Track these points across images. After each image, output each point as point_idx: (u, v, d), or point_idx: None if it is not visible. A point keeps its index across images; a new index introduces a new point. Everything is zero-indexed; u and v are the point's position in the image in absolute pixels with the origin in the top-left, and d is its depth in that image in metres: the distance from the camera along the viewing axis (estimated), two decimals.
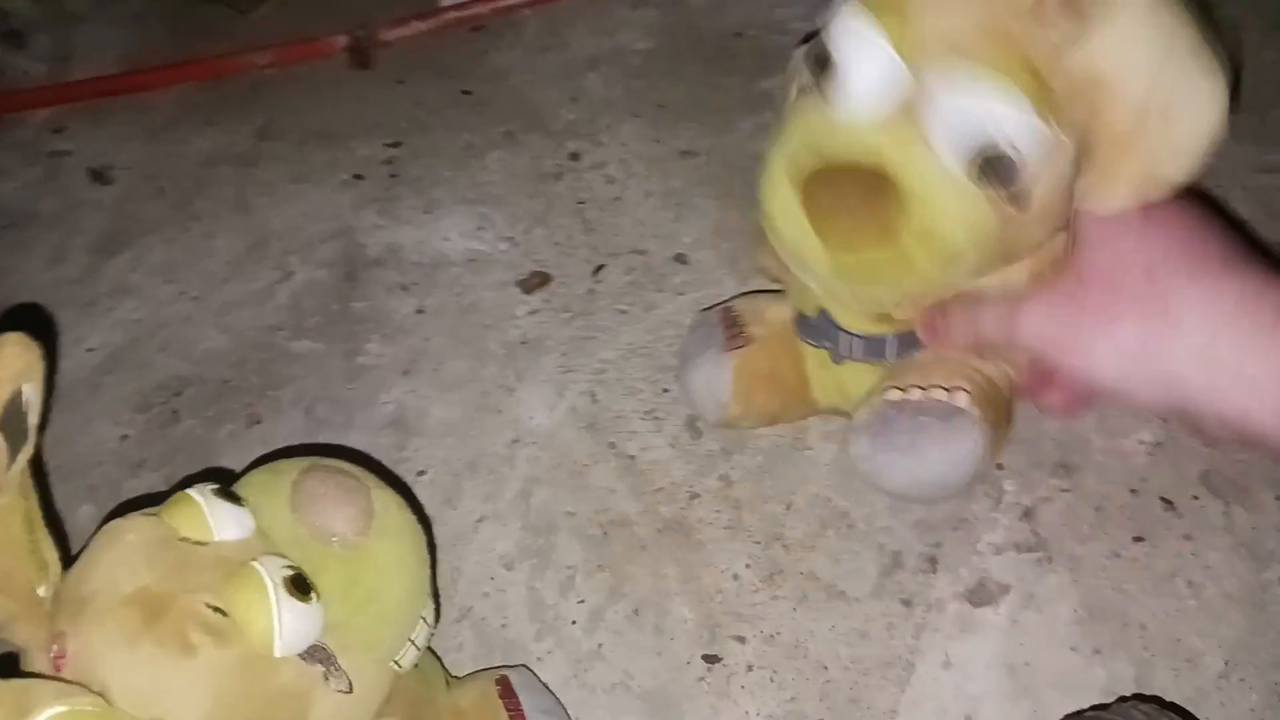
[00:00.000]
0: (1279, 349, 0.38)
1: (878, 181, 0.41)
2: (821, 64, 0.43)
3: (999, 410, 0.51)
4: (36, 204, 0.79)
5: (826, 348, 0.54)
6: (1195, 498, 0.57)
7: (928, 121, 0.41)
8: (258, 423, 0.64)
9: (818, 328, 0.54)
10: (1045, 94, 0.40)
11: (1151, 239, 0.41)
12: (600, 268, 0.70)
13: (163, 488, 0.62)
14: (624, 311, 0.68)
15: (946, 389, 0.49)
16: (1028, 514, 0.57)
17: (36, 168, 0.81)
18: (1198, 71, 0.40)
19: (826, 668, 0.53)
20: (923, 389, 0.49)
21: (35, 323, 0.62)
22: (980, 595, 0.55)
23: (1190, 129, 0.41)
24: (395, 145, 0.79)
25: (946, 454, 0.49)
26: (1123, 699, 0.47)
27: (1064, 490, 0.58)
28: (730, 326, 0.56)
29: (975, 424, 0.48)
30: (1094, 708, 0.47)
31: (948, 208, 0.42)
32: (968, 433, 0.48)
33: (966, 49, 0.40)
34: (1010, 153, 0.40)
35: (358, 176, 0.77)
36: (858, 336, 0.52)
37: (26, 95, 0.86)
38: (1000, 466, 0.58)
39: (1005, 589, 0.55)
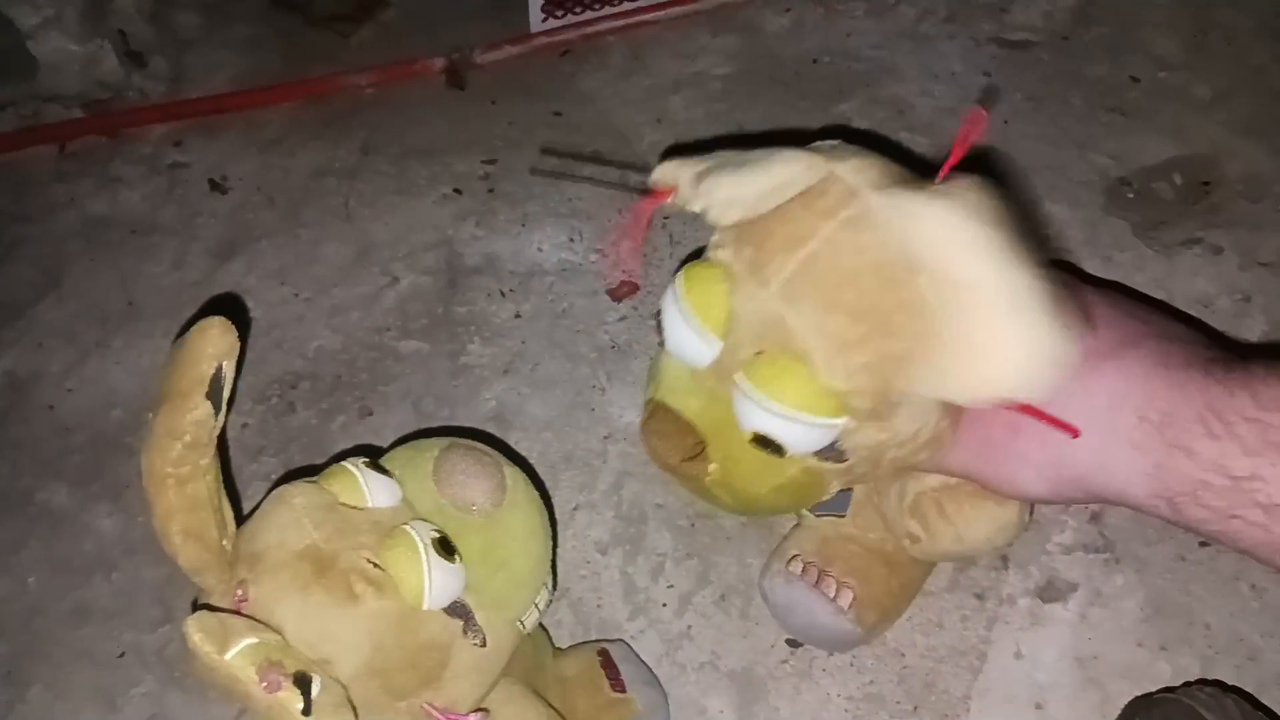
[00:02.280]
0: (1149, 441, 0.38)
1: (686, 434, 0.46)
2: (659, 321, 0.47)
3: (886, 606, 0.54)
4: (158, 213, 0.85)
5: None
6: None
7: (730, 397, 0.45)
8: (369, 415, 0.69)
9: None
10: (818, 397, 0.42)
11: None
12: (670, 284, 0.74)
13: (281, 472, 0.67)
14: None
15: (837, 583, 0.53)
16: (1095, 517, 0.60)
17: (158, 179, 0.87)
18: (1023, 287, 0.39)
19: (903, 655, 0.57)
20: (819, 573, 0.53)
21: (232, 311, 0.68)
22: (1050, 592, 0.58)
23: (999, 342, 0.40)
24: (490, 162, 0.84)
25: (814, 636, 0.55)
26: (1187, 683, 0.50)
27: None
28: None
29: (847, 624, 0.53)
30: (1160, 690, 0.50)
31: (740, 464, 0.46)
32: (839, 629, 0.53)
33: (753, 358, 0.43)
34: (785, 443, 0.43)
35: (456, 191, 0.82)
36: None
37: (147, 111, 0.93)
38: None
39: (1074, 587, 0.58)
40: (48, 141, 0.91)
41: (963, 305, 0.39)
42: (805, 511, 0.55)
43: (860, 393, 0.42)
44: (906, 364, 0.41)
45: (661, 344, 0.47)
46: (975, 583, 0.59)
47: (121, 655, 0.61)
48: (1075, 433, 0.40)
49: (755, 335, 0.43)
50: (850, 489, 0.53)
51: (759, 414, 0.43)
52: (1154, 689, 0.53)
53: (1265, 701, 0.52)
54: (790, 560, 0.54)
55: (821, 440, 0.43)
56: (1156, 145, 0.78)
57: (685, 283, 0.45)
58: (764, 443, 0.44)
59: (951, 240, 0.39)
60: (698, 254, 0.48)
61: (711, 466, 0.46)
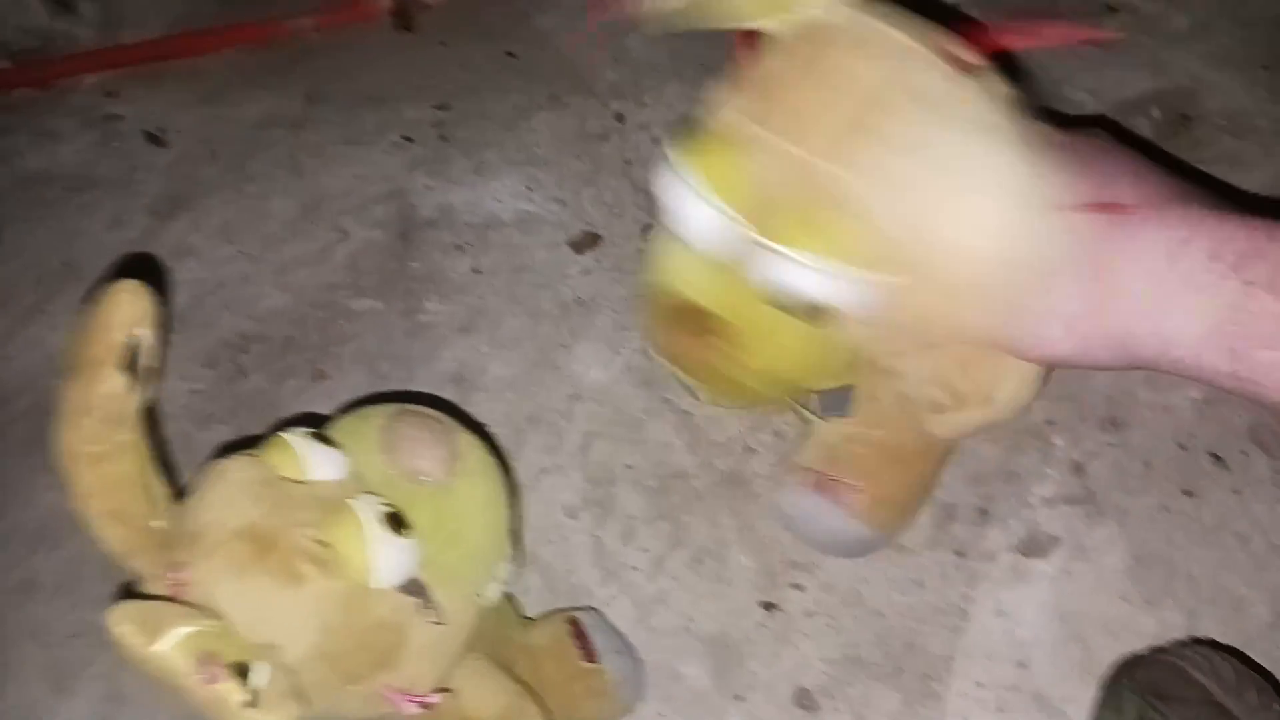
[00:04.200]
0: (1221, 281, 0.37)
1: (707, 322, 0.44)
2: (651, 211, 0.44)
3: (901, 504, 0.54)
4: (95, 168, 0.80)
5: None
6: (1243, 453, 0.58)
7: (752, 276, 0.42)
8: (323, 378, 0.66)
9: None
10: (871, 252, 0.40)
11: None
12: (649, 227, 0.71)
13: (232, 438, 0.64)
14: None
15: (845, 486, 0.51)
16: (1077, 468, 0.59)
17: (93, 132, 0.82)
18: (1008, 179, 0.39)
19: (883, 614, 0.55)
20: (826, 479, 0.52)
21: (146, 271, 0.64)
22: (1031, 546, 0.56)
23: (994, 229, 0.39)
24: (443, 108, 0.80)
25: (833, 545, 0.54)
26: (1180, 643, 0.48)
27: (1112, 445, 0.59)
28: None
29: (861, 528, 0.52)
30: (1151, 650, 0.48)
31: (769, 345, 0.44)
32: (854, 533, 0.52)
33: (796, 223, 0.41)
34: (823, 304, 0.42)
35: (407, 139, 0.78)
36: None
37: (78, 60, 0.87)
38: (1050, 422, 0.60)
39: (1055, 540, 0.56)
40: None
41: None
42: (810, 415, 0.53)
43: (923, 241, 0.40)
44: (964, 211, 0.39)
45: (669, 231, 0.44)
46: (955, 538, 0.57)
47: (74, 636, 0.58)
48: (1129, 210, 0.39)
49: (794, 201, 0.40)
50: (850, 389, 0.51)
51: (810, 278, 0.40)
52: (1139, 644, 0.52)
53: (1252, 655, 0.51)
54: (800, 473, 0.53)
55: (874, 299, 0.41)
56: (1134, 79, 0.76)
57: (695, 157, 0.42)
58: (809, 310, 0.41)
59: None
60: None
61: (743, 355, 0.44)
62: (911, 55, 0.40)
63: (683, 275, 0.45)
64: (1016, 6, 0.81)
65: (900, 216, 0.39)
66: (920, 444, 0.52)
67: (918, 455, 0.53)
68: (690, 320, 0.44)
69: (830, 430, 0.53)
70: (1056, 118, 0.47)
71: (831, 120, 0.39)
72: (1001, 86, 0.42)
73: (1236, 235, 0.38)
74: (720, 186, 0.41)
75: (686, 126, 0.44)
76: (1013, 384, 0.47)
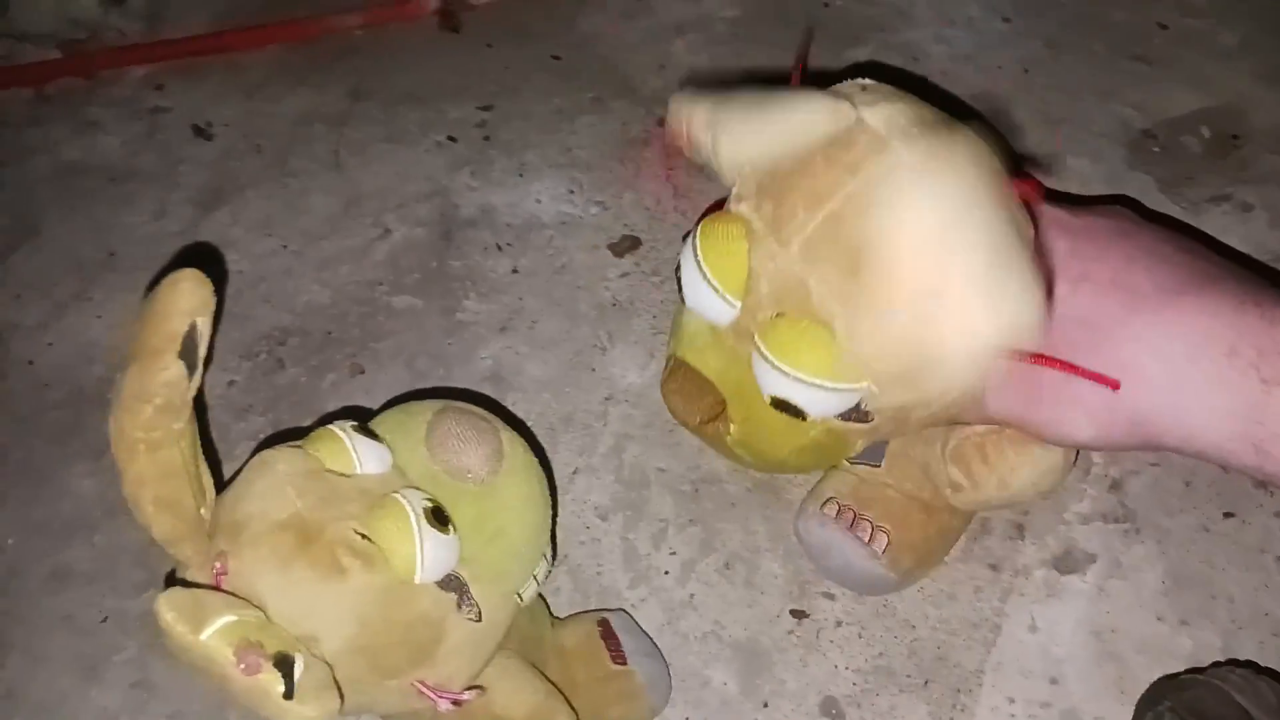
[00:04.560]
0: (1241, 380, 0.37)
1: (706, 392, 0.44)
2: (677, 276, 0.45)
3: (924, 552, 0.53)
4: (138, 159, 0.81)
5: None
6: None
7: (746, 357, 0.43)
8: (360, 373, 0.66)
9: None
10: (838, 362, 0.40)
11: (1080, 286, 0.40)
12: (689, 233, 0.71)
13: (269, 431, 0.64)
14: None
15: (872, 527, 0.52)
16: (1116, 486, 0.58)
17: (138, 124, 0.83)
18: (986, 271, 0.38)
19: (914, 627, 0.55)
20: (855, 516, 0.52)
21: (208, 262, 0.65)
22: (1067, 563, 0.56)
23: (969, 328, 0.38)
24: (486, 109, 0.80)
25: (848, 579, 0.54)
26: (1216, 664, 0.48)
27: (1152, 464, 0.59)
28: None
29: (881, 569, 0.52)
30: (1188, 671, 0.48)
31: (764, 430, 0.44)
32: (873, 573, 0.52)
33: (772, 320, 0.41)
34: (807, 408, 0.41)
35: (451, 139, 0.79)
36: None
37: (126, 52, 0.88)
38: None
39: (1092, 558, 0.56)
40: (22, 84, 0.87)
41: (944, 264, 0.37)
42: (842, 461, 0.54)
43: (884, 358, 0.39)
44: (934, 327, 0.38)
45: (681, 298, 0.45)
46: (990, 553, 0.56)
47: (104, 620, 0.59)
48: (1115, 385, 0.38)
49: (775, 296, 0.40)
50: (883, 443, 0.52)
51: (778, 379, 0.40)
52: (1175, 663, 0.51)
53: None
54: (825, 503, 0.53)
55: (843, 405, 0.41)
56: (1183, 95, 0.75)
57: (703, 239, 0.42)
58: (784, 406, 0.41)
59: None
60: (719, 205, 0.45)
61: (733, 427, 0.45)
62: (897, 164, 0.39)
63: (693, 343, 0.45)
64: (1066, 24, 0.81)
65: (870, 333, 0.39)
66: (945, 501, 0.52)
67: (945, 509, 0.53)
68: (699, 393, 0.45)
69: (858, 470, 0.53)
70: (1075, 199, 0.47)
71: (809, 227, 0.39)
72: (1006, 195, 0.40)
73: (1256, 329, 0.37)
74: (721, 270, 0.42)
75: (719, 206, 0.45)
76: (1030, 472, 0.48)
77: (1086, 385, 0.40)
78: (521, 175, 0.76)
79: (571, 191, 0.74)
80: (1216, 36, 0.79)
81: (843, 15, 0.84)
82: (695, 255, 0.43)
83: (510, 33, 0.86)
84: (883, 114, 0.39)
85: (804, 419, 0.42)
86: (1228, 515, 0.56)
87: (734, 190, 0.43)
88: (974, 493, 0.49)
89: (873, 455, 0.52)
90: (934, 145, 0.38)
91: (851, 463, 0.53)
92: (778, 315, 0.41)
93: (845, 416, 0.42)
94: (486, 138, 0.78)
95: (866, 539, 0.52)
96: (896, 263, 0.38)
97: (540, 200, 0.74)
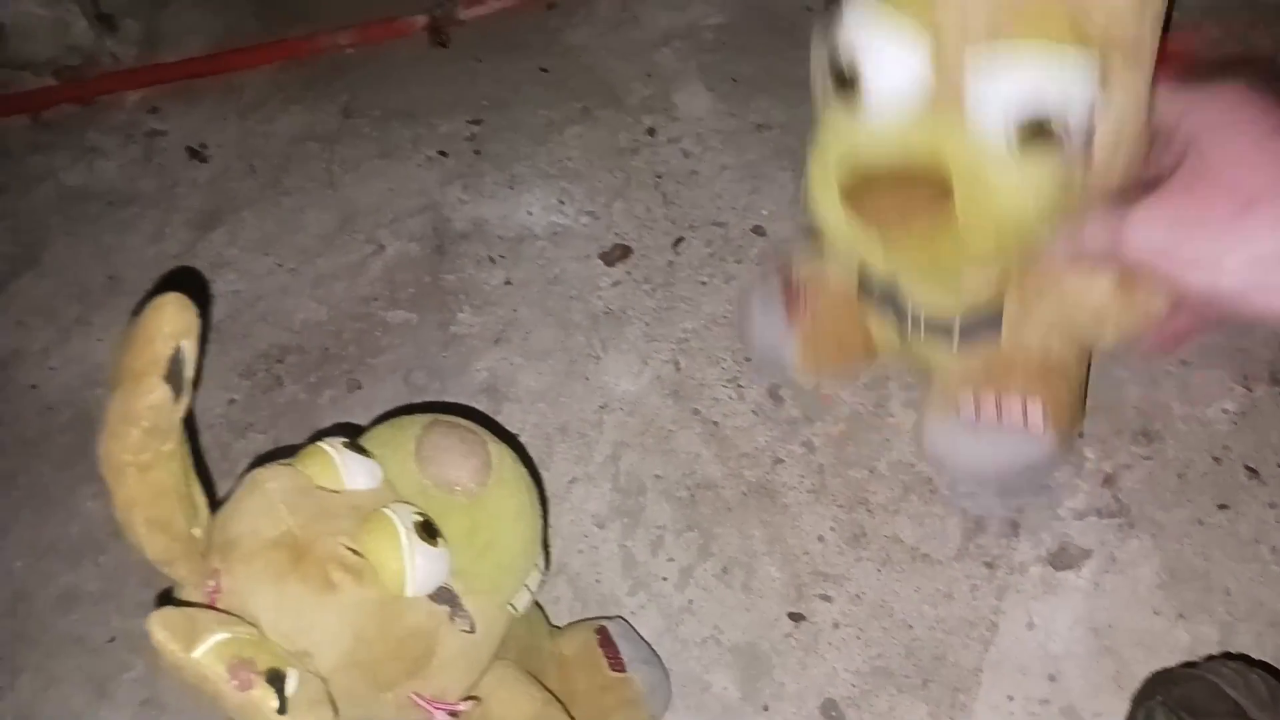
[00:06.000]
0: None
1: (921, 182, 0.41)
2: (842, 79, 0.41)
3: (1073, 407, 0.51)
4: (137, 183, 0.82)
5: (891, 320, 0.54)
6: (1279, 466, 0.57)
7: (969, 109, 0.40)
8: (358, 388, 0.67)
9: (884, 299, 0.53)
10: (1086, 51, 0.38)
11: (1273, 129, 0.37)
12: (679, 240, 0.71)
13: (270, 449, 0.65)
14: (704, 283, 0.69)
15: (1024, 403, 0.49)
16: (1109, 480, 0.58)
17: (135, 148, 0.85)
18: None
19: (911, 627, 0.55)
20: (997, 399, 0.49)
21: (188, 283, 0.65)
22: (1062, 559, 0.56)
23: None
24: (476, 122, 0.81)
25: (1014, 473, 0.52)
26: (1210, 657, 0.48)
27: (1146, 458, 0.59)
28: (792, 296, 0.55)
29: (1049, 444, 0.49)
30: (1183, 665, 0.48)
31: (1000, 189, 0.41)
32: (1043, 451, 0.50)
33: (1000, 27, 0.38)
34: (1061, 123, 0.39)
35: (441, 153, 0.79)
36: (923, 319, 0.51)
37: (121, 77, 0.90)
38: (1081, 434, 0.59)
39: (1087, 553, 0.56)
40: (20, 111, 0.88)
41: None
42: (939, 352, 0.51)
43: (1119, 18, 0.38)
44: None
45: (832, 102, 0.42)
46: (985, 550, 0.57)
47: (111, 640, 0.60)
48: None
49: (988, 7, 0.38)
50: (996, 316, 0.49)
51: (1018, 79, 0.38)
52: (1172, 657, 0.51)
53: None
54: (961, 401, 0.49)
55: (1084, 96, 0.39)
56: None
57: None
58: (1030, 130, 0.39)
59: None
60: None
61: (960, 210, 0.41)
62: None
63: (865, 153, 0.42)
64: None
65: None
66: (1065, 356, 0.50)
67: (1074, 360, 0.51)
68: (903, 190, 0.41)
69: (973, 361, 0.50)
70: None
71: None
72: None
73: None
74: (915, 7, 0.39)
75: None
76: (1153, 307, 0.45)
77: (1266, 230, 0.36)
78: (512, 187, 0.76)
79: (562, 202, 0.75)
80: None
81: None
82: (880, 20, 0.39)
83: (498, 47, 0.86)
84: None
85: (1052, 140, 0.39)
86: (1222, 507, 0.56)
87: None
88: (1118, 317, 0.46)
89: (984, 331, 0.49)
90: None
91: (960, 346, 0.50)
92: (1005, 37, 0.38)
93: (1073, 144, 0.39)
94: (477, 151, 0.79)
95: (1022, 415, 0.48)
96: None
97: (531, 211, 0.75)
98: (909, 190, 0.41)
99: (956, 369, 0.51)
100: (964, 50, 0.39)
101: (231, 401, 0.68)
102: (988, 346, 0.50)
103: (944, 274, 0.48)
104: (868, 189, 0.42)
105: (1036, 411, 0.48)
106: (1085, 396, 0.54)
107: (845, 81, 0.41)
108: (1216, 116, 0.39)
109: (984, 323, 0.49)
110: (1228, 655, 0.49)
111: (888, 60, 0.40)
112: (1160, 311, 0.46)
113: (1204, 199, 0.38)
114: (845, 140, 0.43)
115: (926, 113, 0.40)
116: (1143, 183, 0.40)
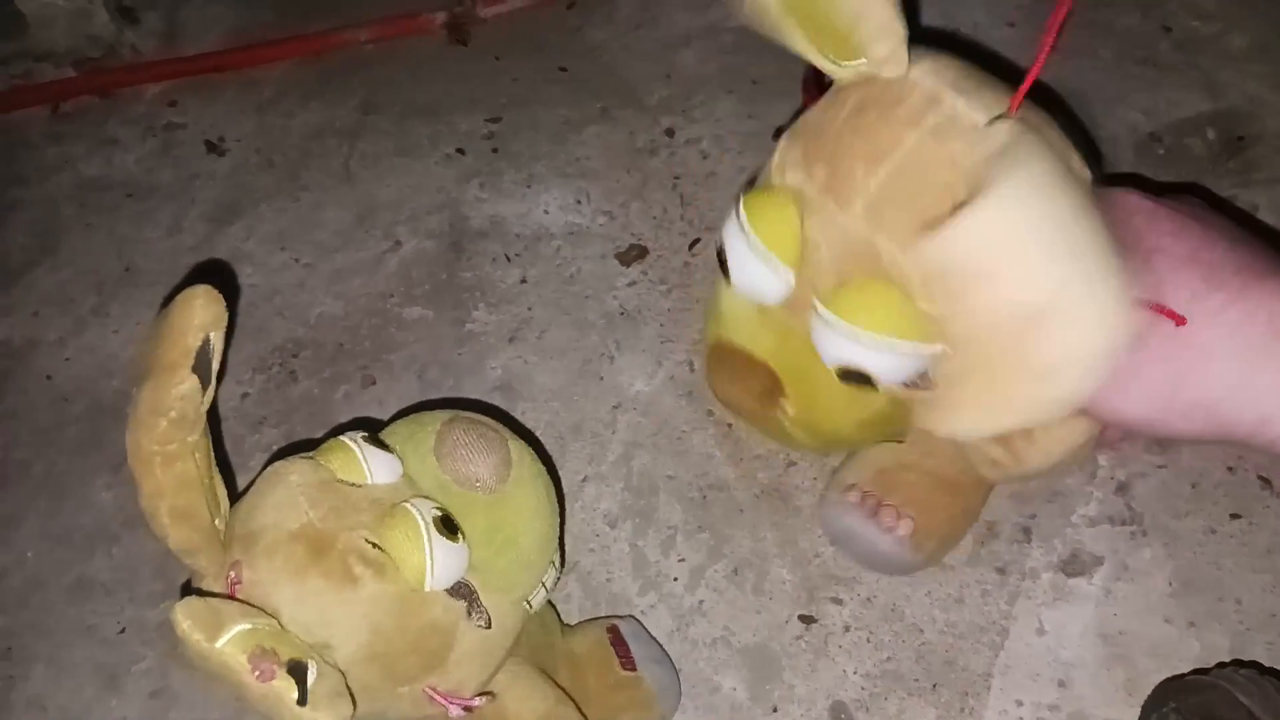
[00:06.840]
0: None
1: (761, 372, 0.44)
2: (720, 257, 0.44)
3: (946, 534, 0.54)
4: (155, 175, 0.83)
5: None
6: None
7: (809, 327, 0.42)
8: (372, 384, 0.67)
9: None
10: (910, 322, 0.39)
11: (1154, 258, 0.39)
12: (696, 241, 0.71)
13: (282, 443, 0.65)
14: None
15: (897, 513, 0.52)
16: (1122, 488, 0.58)
17: (154, 140, 0.85)
18: (1088, 276, 0.35)
19: (922, 631, 0.55)
20: (878, 503, 0.52)
21: (220, 277, 0.66)
22: (1074, 565, 0.56)
23: (1075, 340, 0.36)
24: (495, 120, 0.81)
25: (874, 564, 0.55)
26: (1221, 664, 0.48)
27: (1159, 466, 0.59)
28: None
29: (906, 554, 0.52)
30: (1193, 672, 0.48)
31: (826, 401, 0.43)
32: (899, 558, 0.52)
33: (838, 301, 0.40)
34: (875, 374, 0.41)
35: (460, 151, 0.80)
36: None
37: (141, 70, 0.90)
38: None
39: (1099, 560, 0.56)
40: (40, 102, 0.89)
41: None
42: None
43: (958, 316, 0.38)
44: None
45: (726, 279, 0.44)
46: (997, 556, 0.57)
47: (122, 631, 0.60)
48: (1182, 321, 0.37)
49: (838, 262, 0.40)
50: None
51: (847, 346, 0.40)
52: (1183, 666, 0.51)
53: None
54: (848, 490, 0.53)
55: (914, 370, 0.40)
56: (1189, 99, 0.75)
57: (751, 212, 0.42)
58: (852, 376, 0.41)
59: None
60: (751, 184, 0.45)
61: (790, 408, 0.44)
62: (960, 123, 0.38)
63: (739, 324, 0.44)
64: (1072, 29, 0.81)
65: (942, 291, 0.38)
66: (971, 478, 0.52)
67: (969, 487, 0.53)
68: (752, 374, 0.44)
69: (882, 452, 0.53)
70: (1148, 184, 0.46)
71: (871, 185, 0.39)
72: (1073, 159, 0.40)
73: None
74: (775, 242, 0.41)
75: (753, 175, 0.44)
76: (1070, 441, 0.46)
77: (1155, 359, 0.38)
78: (530, 186, 0.77)
79: (579, 201, 0.75)
80: (1225, 40, 0.78)
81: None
82: (744, 229, 0.41)
83: (518, 45, 0.87)
84: (928, 69, 0.39)
85: (873, 387, 0.41)
86: (1235, 517, 0.56)
87: (774, 162, 0.42)
88: (1015, 468, 0.48)
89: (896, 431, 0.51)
90: (989, 99, 0.38)
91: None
92: (840, 282, 0.40)
93: (911, 384, 0.41)
94: (495, 149, 0.79)
95: (890, 526, 0.51)
96: (973, 221, 0.35)
97: (548, 211, 0.75)
98: (747, 377, 0.44)
99: (860, 457, 0.54)
100: (807, 302, 0.41)
101: (245, 396, 0.68)
102: (894, 446, 0.52)
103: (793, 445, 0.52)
104: (718, 361, 0.46)
105: (906, 526, 0.51)
106: (973, 521, 0.55)
107: (721, 263, 0.44)
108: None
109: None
110: (1239, 663, 0.49)
111: (749, 272, 0.43)
112: (1088, 433, 0.47)
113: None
114: (717, 307, 0.47)
115: (780, 310, 0.43)
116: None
